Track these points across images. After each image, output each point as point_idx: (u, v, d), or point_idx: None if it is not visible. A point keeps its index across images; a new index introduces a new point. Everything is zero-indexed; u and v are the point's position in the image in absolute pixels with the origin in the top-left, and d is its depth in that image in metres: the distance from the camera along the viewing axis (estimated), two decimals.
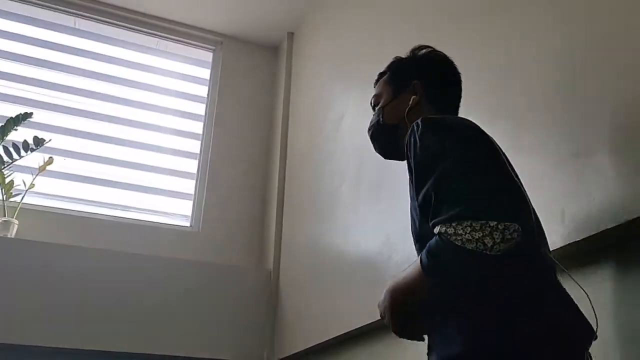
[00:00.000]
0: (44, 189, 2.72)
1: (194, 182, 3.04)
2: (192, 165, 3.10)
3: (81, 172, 2.88)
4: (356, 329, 1.93)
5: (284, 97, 3.12)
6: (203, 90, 3.30)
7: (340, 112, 2.44)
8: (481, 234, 0.86)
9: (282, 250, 2.78)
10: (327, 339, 2.13)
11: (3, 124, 2.60)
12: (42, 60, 3.03)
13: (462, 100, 1.29)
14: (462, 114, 1.25)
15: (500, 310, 0.91)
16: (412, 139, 1.05)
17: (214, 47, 3.38)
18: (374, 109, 1.33)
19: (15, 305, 2.29)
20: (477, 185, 0.94)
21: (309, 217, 2.55)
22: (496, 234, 0.86)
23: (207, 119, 3.17)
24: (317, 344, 2.20)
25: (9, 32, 3.02)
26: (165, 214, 3.00)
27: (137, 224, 2.82)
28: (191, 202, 2.99)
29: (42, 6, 3.05)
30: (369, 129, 1.32)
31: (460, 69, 1.28)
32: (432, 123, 1.06)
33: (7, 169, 2.58)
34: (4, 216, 2.51)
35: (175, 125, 3.17)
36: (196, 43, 3.34)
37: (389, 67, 1.34)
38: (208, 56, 3.37)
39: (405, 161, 1.09)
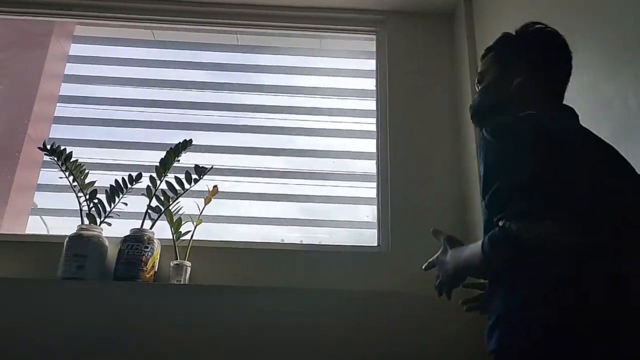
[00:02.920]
0: (212, 220, 2.46)
1: (374, 189, 2.56)
2: (370, 168, 2.63)
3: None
4: None
5: (472, 74, 2.48)
6: (371, 84, 2.81)
7: None
8: (532, 235, 1.00)
9: None
10: None
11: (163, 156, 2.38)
12: (206, 82, 2.84)
13: None
14: None
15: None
16: (487, 140, 1.14)
17: (375, 29, 2.86)
18: (478, 86, 1.37)
19: None
20: (534, 190, 1.03)
21: None
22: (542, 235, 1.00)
23: (379, 115, 2.67)
24: None
25: (172, 60, 2.88)
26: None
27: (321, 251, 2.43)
28: (374, 214, 2.51)
29: (206, 30, 2.92)
30: (470, 107, 1.40)
31: None
32: (502, 128, 1.14)
33: (174, 206, 2.34)
34: (176, 259, 2.27)
35: (347, 127, 2.76)
36: (357, 28, 2.87)
37: (497, 43, 1.35)
38: (371, 45, 2.88)
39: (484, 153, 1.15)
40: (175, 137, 2.45)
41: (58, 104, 2.81)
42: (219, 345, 2.04)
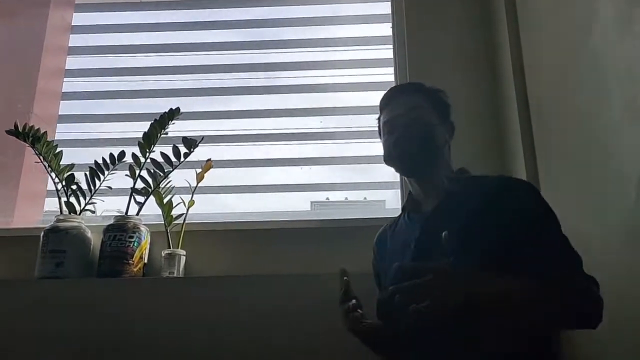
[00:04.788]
0: (205, 202, 2.13)
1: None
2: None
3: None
4: None
5: (509, 23, 2.01)
6: (387, 30, 2.39)
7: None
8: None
9: None
10: None
11: (146, 130, 2.05)
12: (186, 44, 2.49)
13: None
14: None
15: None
16: (534, 197, 1.14)
17: None
18: (403, 119, 1.28)
19: None
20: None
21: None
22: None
23: (398, 69, 2.25)
24: None
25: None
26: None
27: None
28: (398, 192, 2.14)
29: None
30: (408, 140, 1.26)
31: None
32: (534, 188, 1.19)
33: (163, 187, 2.03)
34: (168, 247, 1.97)
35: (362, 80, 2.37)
36: None
37: (428, 93, 1.33)
38: None
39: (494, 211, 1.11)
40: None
41: (65, 79, 2.50)
42: (217, 346, 1.74)
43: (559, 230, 1.10)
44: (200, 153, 2.04)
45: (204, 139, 2.02)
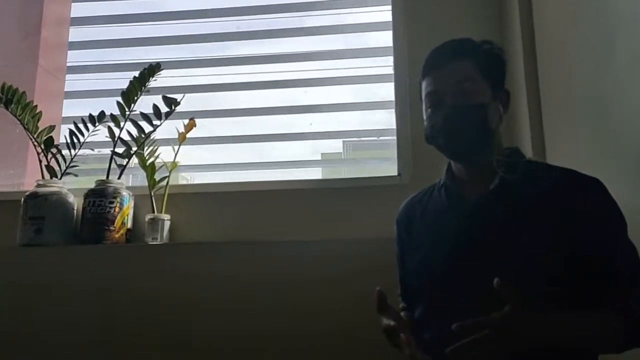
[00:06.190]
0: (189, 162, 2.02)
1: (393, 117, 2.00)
2: (389, 93, 2.04)
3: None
4: None
5: None
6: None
7: None
8: None
9: None
10: None
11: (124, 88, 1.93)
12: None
13: None
14: None
15: None
16: (609, 201, 0.99)
17: None
18: (451, 95, 1.07)
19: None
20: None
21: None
22: None
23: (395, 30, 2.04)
24: None
25: None
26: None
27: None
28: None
29: None
30: (457, 122, 1.07)
31: None
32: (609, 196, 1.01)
33: (146, 148, 1.92)
34: (152, 212, 1.88)
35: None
36: None
37: (480, 54, 1.11)
38: None
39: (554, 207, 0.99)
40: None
41: (71, 27, 2.36)
42: (204, 320, 1.67)
43: (625, 236, 0.98)
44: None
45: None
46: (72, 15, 2.37)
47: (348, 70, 2.15)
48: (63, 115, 2.22)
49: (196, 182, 2.15)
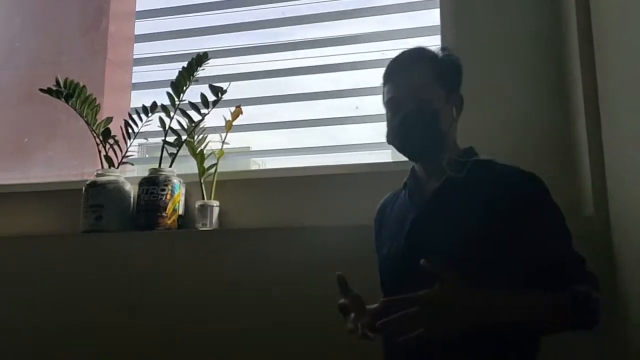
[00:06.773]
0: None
1: None
2: None
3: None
4: None
5: None
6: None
7: None
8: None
9: (608, 188, 1.51)
10: None
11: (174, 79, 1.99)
12: None
13: None
14: None
15: None
16: (542, 196, 1.10)
17: None
18: (406, 100, 1.18)
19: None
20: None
21: None
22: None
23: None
24: None
25: None
26: None
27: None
28: None
29: None
30: (411, 125, 1.18)
31: None
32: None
33: (195, 136, 1.98)
34: (202, 198, 1.93)
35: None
36: None
37: (434, 61, 1.21)
38: None
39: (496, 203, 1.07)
40: None
41: (137, 20, 2.46)
42: (251, 304, 1.71)
43: (563, 227, 1.07)
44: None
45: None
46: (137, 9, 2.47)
47: None
48: (131, 106, 2.33)
49: (267, 167, 2.22)
